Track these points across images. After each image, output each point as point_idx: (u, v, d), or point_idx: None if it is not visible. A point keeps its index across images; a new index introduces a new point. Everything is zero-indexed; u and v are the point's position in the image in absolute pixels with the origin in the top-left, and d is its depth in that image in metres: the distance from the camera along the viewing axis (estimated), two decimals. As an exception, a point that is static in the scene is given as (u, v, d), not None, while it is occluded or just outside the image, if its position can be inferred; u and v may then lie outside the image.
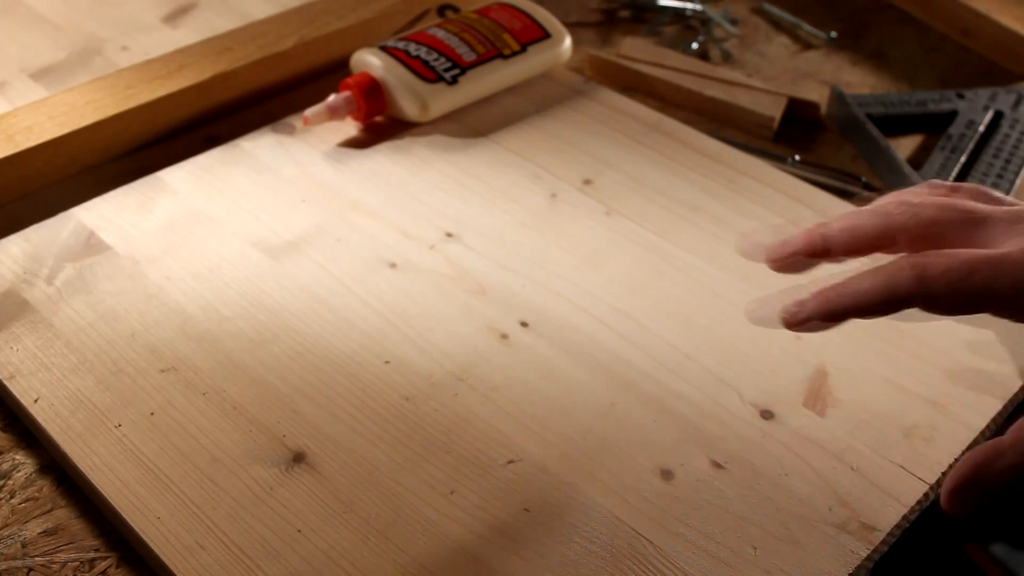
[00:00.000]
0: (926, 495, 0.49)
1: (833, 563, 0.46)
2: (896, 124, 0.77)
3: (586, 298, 0.59)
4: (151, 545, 0.46)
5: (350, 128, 0.71)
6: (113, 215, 0.63)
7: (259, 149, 0.69)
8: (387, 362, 0.55)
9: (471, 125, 0.72)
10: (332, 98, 0.69)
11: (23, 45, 0.79)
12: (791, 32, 0.90)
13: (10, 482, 0.51)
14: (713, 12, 0.89)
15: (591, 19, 0.90)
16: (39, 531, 0.48)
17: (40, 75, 0.75)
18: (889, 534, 0.47)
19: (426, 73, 0.70)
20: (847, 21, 0.91)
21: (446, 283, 0.60)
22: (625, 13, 0.91)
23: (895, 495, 0.49)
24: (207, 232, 0.62)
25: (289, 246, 0.61)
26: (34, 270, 0.59)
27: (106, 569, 0.47)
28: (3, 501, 0.50)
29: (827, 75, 0.84)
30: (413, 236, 0.63)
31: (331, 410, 0.52)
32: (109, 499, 0.48)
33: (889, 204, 0.45)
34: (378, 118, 0.71)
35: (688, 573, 0.46)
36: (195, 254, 0.61)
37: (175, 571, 0.45)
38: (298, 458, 0.50)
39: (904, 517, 0.48)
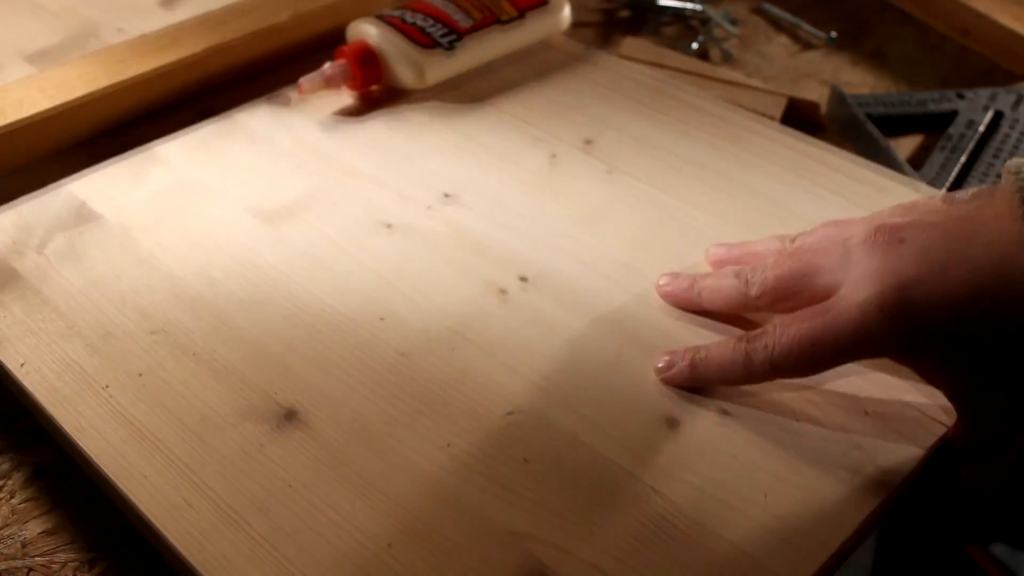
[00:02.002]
0: (942, 439, 0.47)
1: (849, 508, 0.44)
2: (896, 124, 0.76)
3: (588, 253, 0.58)
4: (137, 504, 0.45)
5: (346, 98, 0.70)
6: (105, 187, 0.62)
7: (254, 120, 0.68)
8: (382, 319, 0.53)
9: (469, 92, 0.72)
10: (327, 67, 0.68)
11: (18, 30, 0.78)
12: (791, 32, 0.90)
13: (10, 482, 0.50)
14: (713, 12, 0.89)
15: (591, 19, 0.90)
16: (39, 531, 0.48)
17: (35, 58, 0.75)
18: (905, 479, 0.46)
19: (422, 40, 0.69)
20: (847, 21, 0.91)
21: (444, 242, 0.58)
22: (625, 13, 0.91)
23: (911, 439, 0.47)
24: (201, 200, 0.61)
25: (284, 211, 0.60)
26: (24, 240, 0.58)
27: (106, 569, 0.46)
28: (3, 501, 0.49)
29: (827, 75, 0.84)
30: (410, 198, 0.62)
31: (324, 367, 0.51)
32: (95, 460, 0.46)
33: (744, 270, 0.51)
34: (374, 88, 0.71)
35: (697, 521, 0.44)
36: (188, 221, 0.60)
37: (162, 529, 0.44)
38: (290, 415, 0.48)
39: (920, 461, 0.46)
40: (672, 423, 0.48)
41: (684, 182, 0.63)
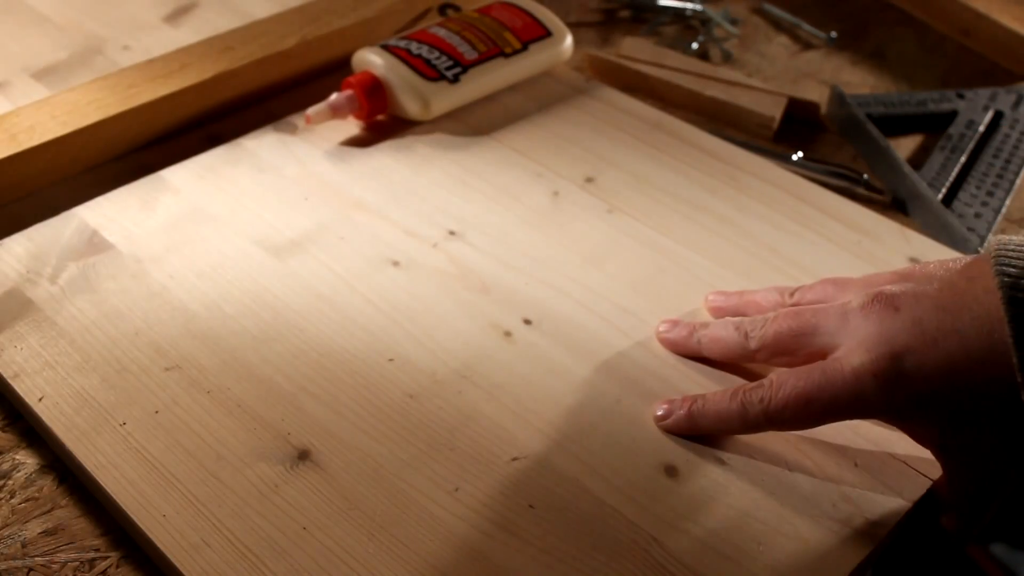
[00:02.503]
0: (929, 491, 0.49)
1: (838, 559, 0.46)
2: (896, 124, 0.77)
3: (589, 295, 0.59)
4: (157, 543, 0.46)
5: (352, 127, 0.71)
6: (116, 214, 0.63)
7: (261, 148, 0.69)
8: (391, 360, 0.55)
9: (473, 123, 0.72)
10: (334, 97, 0.69)
11: (24, 45, 0.79)
12: (791, 32, 0.90)
13: (10, 482, 0.51)
14: (713, 12, 0.89)
15: (591, 19, 0.90)
16: (39, 531, 0.48)
17: (42, 75, 0.75)
18: (893, 530, 0.48)
19: (428, 72, 0.70)
20: (847, 21, 0.91)
21: (449, 281, 0.60)
22: (625, 13, 0.91)
23: (899, 491, 0.49)
24: (210, 231, 0.62)
25: (292, 244, 0.62)
26: (37, 269, 0.59)
27: (106, 569, 0.47)
28: (3, 501, 0.50)
29: (827, 75, 0.84)
30: (416, 234, 0.63)
31: (335, 408, 0.52)
32: (115, 497, 0.48)
33: (744, 323, 0.53)
34: (380, 117, 0.72)
35: (693, 569, 0.46)
36: (198, 253, 0.61)
37: (181, 569, 0.45)
38: (303, 456, 0.50)
39: (908, 513, 0.48)
40: (671, 471, 0.50)
41: (682, 224, 0.65)
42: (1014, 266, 0.44)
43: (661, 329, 0.56)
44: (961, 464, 0.47)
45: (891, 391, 0.46)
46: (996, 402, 0.44)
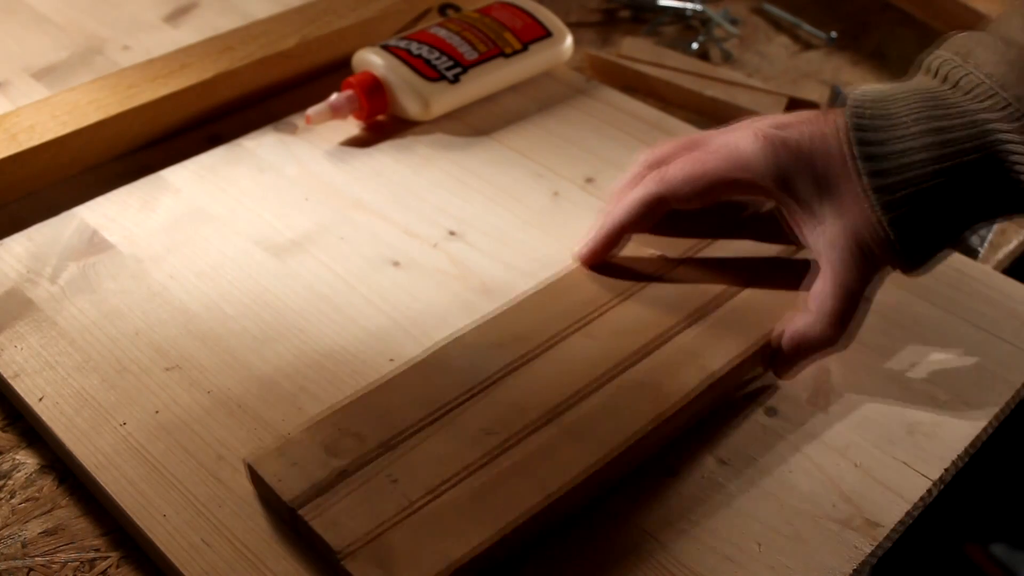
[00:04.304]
0: (929, 491, 0.49)
1: (837, 559, 0.46)
2: (896, 123, 0.77)
3: (589, 296, 0.59)
4: (157, 543, 0.46)
5: (352, 127, 0.71)
6: (116, 214, 0.63)
7: (261, 148, 0.69)
8: (391, 360, 0.55)
9: (473, 124, 0.72)
10: (334, 97, 0.69)
11: (25, 45, 0.79)
12: (791, 32, 0.90)
13: (10, 482, 0.51)
14: (713, 12, 0.89)
15: (591, 19, 0.90)
16: (39, 531, 0.49)
17: (42, 74, 0.76)
18: (893, 530, 0.48)
19: (428, 72, 0.70)
20: (847, 21, 0.91)
21: (449, 281, 0.60)
22: (625, 13, 0.91)
23: (899, 491, 0.49)
24: (210, 231, 0.62)
25: (292, 244, 0.62)
26: (37, 269, 0.59)
27: (106, 569, 0.47)
28: (3, 501, 0.50)
29: (827, 75, 0.84)
30: (416, 234, 0.63)
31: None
32: (115, 497, 0.48)
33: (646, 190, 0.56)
34: (380, 117, 0.72)
35: (693, 570, 0.46)
36: (198, 253, 0.61)
37: (181, 569, 0.45)
38: (303, 456, 0.50)
39: (908, 513, 0.48)
40: (671, 471, 0.50)
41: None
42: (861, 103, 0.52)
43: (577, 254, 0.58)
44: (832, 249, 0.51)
45: (776, 151, 0.52)
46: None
